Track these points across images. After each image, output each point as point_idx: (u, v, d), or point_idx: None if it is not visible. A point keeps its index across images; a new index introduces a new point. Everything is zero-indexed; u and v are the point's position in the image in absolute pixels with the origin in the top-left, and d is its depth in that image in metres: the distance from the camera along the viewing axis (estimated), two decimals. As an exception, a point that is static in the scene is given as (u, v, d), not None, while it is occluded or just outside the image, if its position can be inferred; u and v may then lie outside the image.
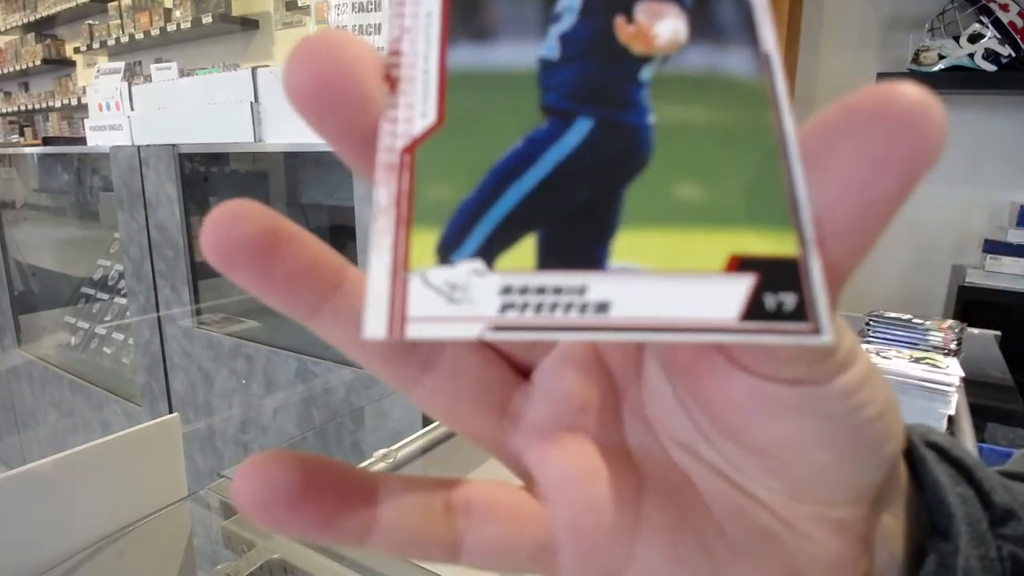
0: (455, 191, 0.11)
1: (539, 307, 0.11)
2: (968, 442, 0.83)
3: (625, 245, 0.11)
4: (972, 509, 0.17)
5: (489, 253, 0.11)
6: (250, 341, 1.54)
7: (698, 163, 0.12)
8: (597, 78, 0.12)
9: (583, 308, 0.11)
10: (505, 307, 0.11)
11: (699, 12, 0.12)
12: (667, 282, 0.11)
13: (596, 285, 0.11)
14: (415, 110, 0.12)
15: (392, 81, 0.12)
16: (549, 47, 0.12)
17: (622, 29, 0.12)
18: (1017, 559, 0.16)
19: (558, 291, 0.11)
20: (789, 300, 0.11)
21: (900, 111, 0.10)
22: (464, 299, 0.11)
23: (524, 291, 0.11)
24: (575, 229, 0.11)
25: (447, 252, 0.11)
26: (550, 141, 0.12)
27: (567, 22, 0.12)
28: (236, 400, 1.61)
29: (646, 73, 0.12)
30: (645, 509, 0.15)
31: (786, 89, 0.12)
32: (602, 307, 0.11)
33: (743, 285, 0.11)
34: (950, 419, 0.87)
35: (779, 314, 0.11)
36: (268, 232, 0.12)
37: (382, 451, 0.82)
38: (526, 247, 0.11)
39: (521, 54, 0.12)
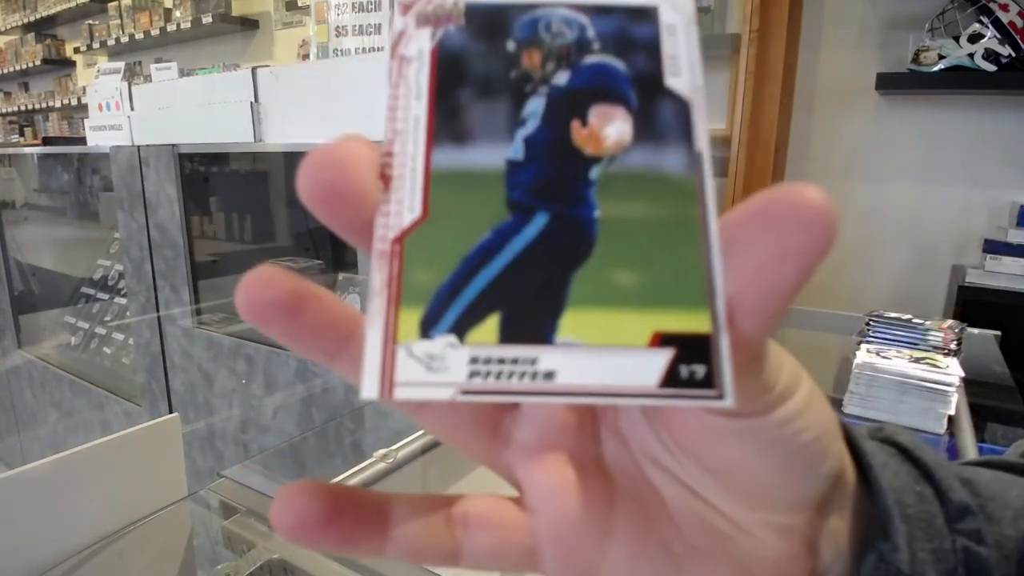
0: (435, 276, 0.13)
1: (499, 375, 0.13)
2: (968, 442, 0.83)
3: (570, 323, 0.13)
4: (929, 506, 0.18)
5: (461, 329, 0.13)
6: (250, 341, 1.54)
7: (633, 252, 0.14)
8: (554, 177, 0.14)
9: (534, 376, 0.13)
10: (472, 375, 0.13)
11: (643, 114, 0.14)
12: (602, 355, 0.13)
13: (545, 357, 0.13)
14: (404, 205, 0.14)
15: (386, 179, 0.14)
16: (515, 149, 0.14)
17: (577, 132, 0.14)
18: (970, 551, 0.18)
19: (515, 362, 0.13)
20: (700, 371, 0.13)
21: (801, 213, 0.12)
22: (440, 368, 0.13)
23: (488, 361, 0.13)
24: (530, 309, 0.13)
25: (427, 328, 0.13)
26: (513, 233, 0.14)
27: (531, 126, 0.14)
28: (236, 400, 1.61)
29: (595, 172, 0.14)
30: (616, 516, 0.17)
31: (712, 185, 0.14)
32: (549, 375, 0.13)
33: (663, 358, 0.13)
34: (950, 419, 0.87)
35: (691, 382, 0.13)
36: (293, 295, 0.14)
37: (382, 451, 0.82)
38: (490, 324, 0.13)
39: (492, 155, 0.14)
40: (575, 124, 0.14)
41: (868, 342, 1.03)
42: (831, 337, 1.52)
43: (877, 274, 2.10)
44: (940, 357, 0.94)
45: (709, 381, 0.13)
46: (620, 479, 0.18)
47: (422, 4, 0.15)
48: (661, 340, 0.13)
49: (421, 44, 0.15)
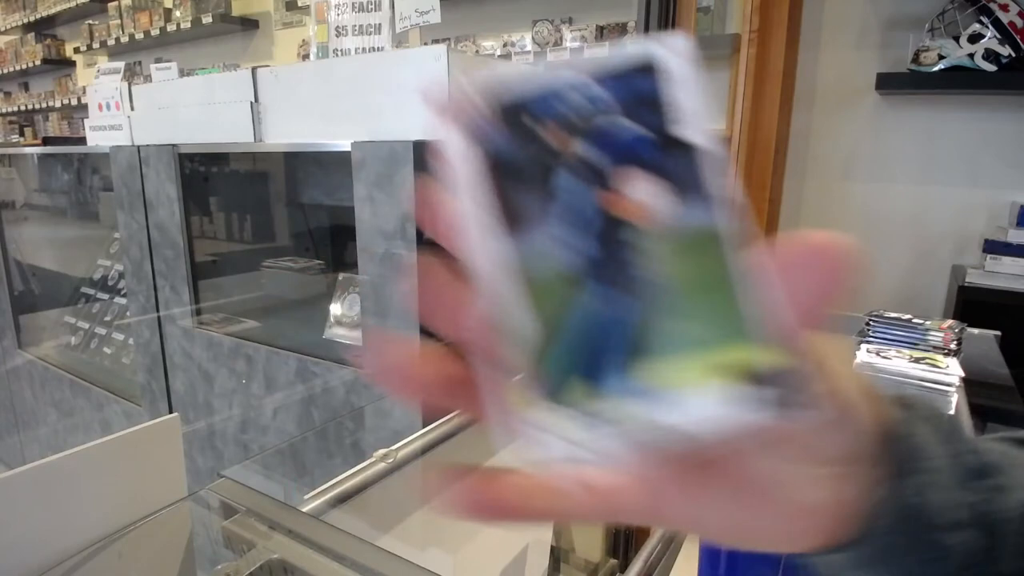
0: (532, 354, 0.16)
1: (591, 426, 0.16)
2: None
3: (647, 373, 0.15)
4: (958, 459, 0.22)
5: (556, 395, 0.16)
6: (250, 341, 1.54)
7: (688, 306, 0.15)
8: (599, 250, 0.16)
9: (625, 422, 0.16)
10: (571, 430, 0.16)
11: (664, 171, 0.15)
12: (675, 395, 0.15)
13: (630, 407, 0.16)
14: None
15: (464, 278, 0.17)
16: (560, 231, 0.16)
17: (608, 201, 0.16)
18: (992, 503, 0.21)
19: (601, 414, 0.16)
20: (789, 395, 0.15)
21: (837, 261, 0.16)
22: (546, 428, 0.16)
23: (582, 415, 0.16)
24: (608, 369, 0.16)
25: (532, 394, 0.16)
26: (579, 309, 0.16)
27: (566, 203, 0.16)
28: (236, 400, 1.61)
29: (633, 236, 0.16)
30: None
31: (742, 227, 0.15)
32: (639, 420, 0.16)
33: (748, 390, 0.15)
34: (950, 419, 0.86)
35: (785, 403, 0.15)
36: (404, 360, 0.19)
37: (382, 451, 0.82)
38: (578, 386, 0.16)
39: (543, 241, 0.16)
40: (605, 194, 0.16)
41: (868, 342, 1.03)
42: (831, 337, 1.52)
43: (877, 274, 2.10)
44: (940, 357, 0.94)
45: (796, 401, 0.15)
46: None
47: (453, 106, 0.16)
48: (741, 376, 0.15)
49: (460, 147, 0.16)
